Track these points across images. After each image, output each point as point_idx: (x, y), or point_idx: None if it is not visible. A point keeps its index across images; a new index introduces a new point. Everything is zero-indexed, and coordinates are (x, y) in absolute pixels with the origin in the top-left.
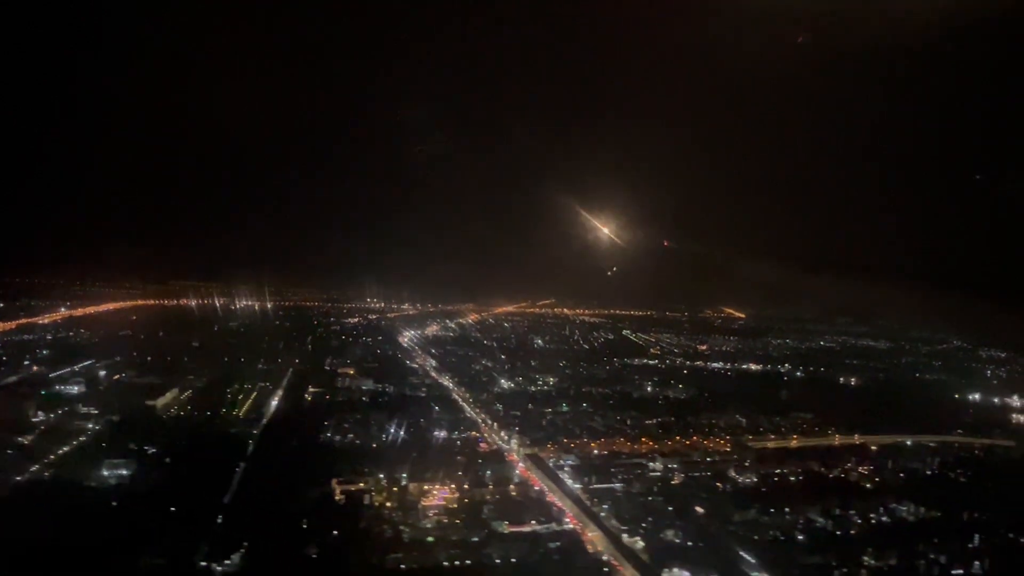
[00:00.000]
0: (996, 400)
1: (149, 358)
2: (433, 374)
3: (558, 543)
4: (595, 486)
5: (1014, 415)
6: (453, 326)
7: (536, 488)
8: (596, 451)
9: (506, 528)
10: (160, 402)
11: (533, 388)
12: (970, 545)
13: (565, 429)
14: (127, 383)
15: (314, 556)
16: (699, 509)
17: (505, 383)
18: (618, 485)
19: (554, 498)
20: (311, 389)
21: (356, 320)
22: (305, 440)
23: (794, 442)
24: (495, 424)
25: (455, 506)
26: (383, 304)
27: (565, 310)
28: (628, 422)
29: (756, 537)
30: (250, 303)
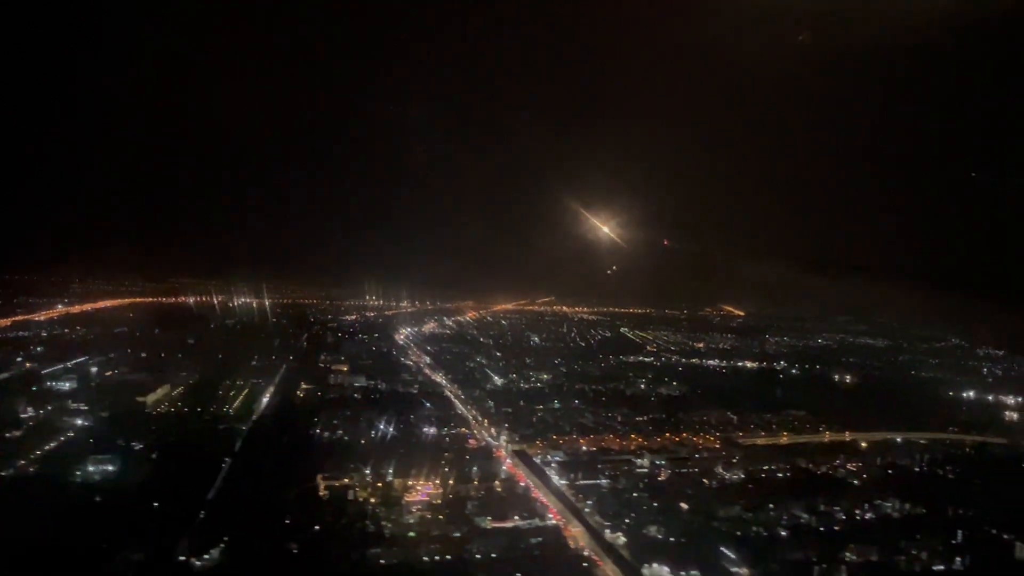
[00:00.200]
0: (990, 398)
1: (143, 355)
2: (427, 371)
3: (540, 539)
4: (581, 482)
5: (1007, 413)
6: (451, 323)
7: (522, 484)
8: (584, 447)
9: (489, 524)
10: (150, 399)
11: (526, 385)
12: (953, 541)
13: (555, 426)
14: (119, 380)
15: (295, 551)
16: (683, 505)
17: (498, 380)
18: (604, 481)
19: (539, 494)
20: (303, 386)
21: (354, 317)
22: (293, 436)
23: (784, 439)
24: (485, 421)
25: (439, 502)
26: (381, 302)
27: (564, 308)
28: (619, 419)
29: (739, 533)
30: (248, 300)
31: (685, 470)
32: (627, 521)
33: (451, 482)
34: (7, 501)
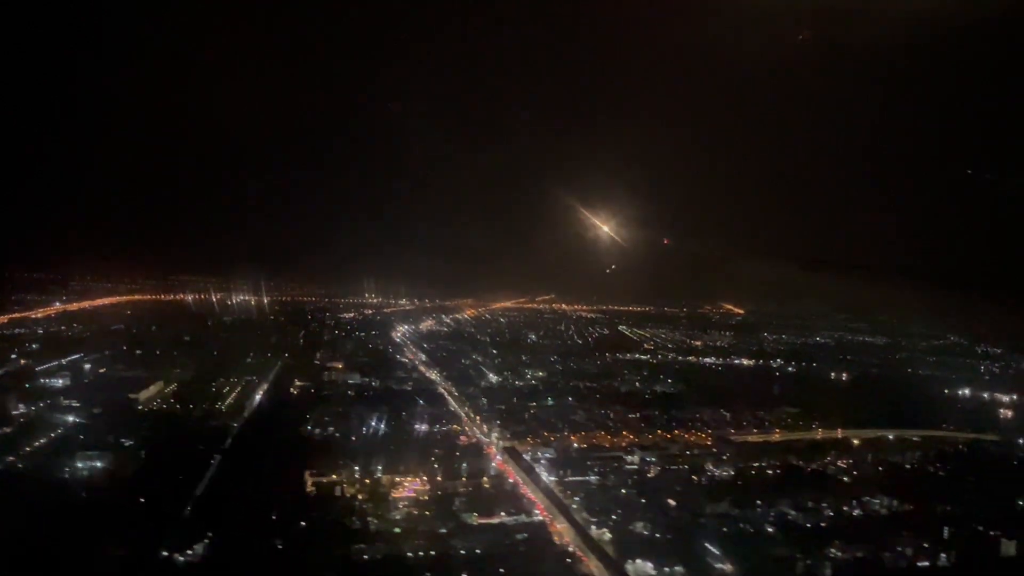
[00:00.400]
0: (986, 396)
1: (138, 352)
2: (422, 368)
3: (525, 534)
4: (570, 479)
5: (1003, 410)
6: (449, 321)
7: (511, 480)
8: (575, 444)
9: (475, 520)
10: (143, 395)
11: (520, 383)
12: (938, 538)
13: (547, 423)
14: (113, 377)
15: (279, 547)
16: (671, 502)
17: (493, 377)
18: (593, 478)
19: (527, 490)
20: (297, 383)
21: (352, 315)
22: (284, 433)
23: (776, 436)
24: (477, 418)
25: (426, 498)
26: (380, 300)
27: (563, 306)
28: (611, 416)
29: (725, 529)
30: (247, 298)
31: (675, 467)
32: (614, 517)
33: (439, 479)
34: None
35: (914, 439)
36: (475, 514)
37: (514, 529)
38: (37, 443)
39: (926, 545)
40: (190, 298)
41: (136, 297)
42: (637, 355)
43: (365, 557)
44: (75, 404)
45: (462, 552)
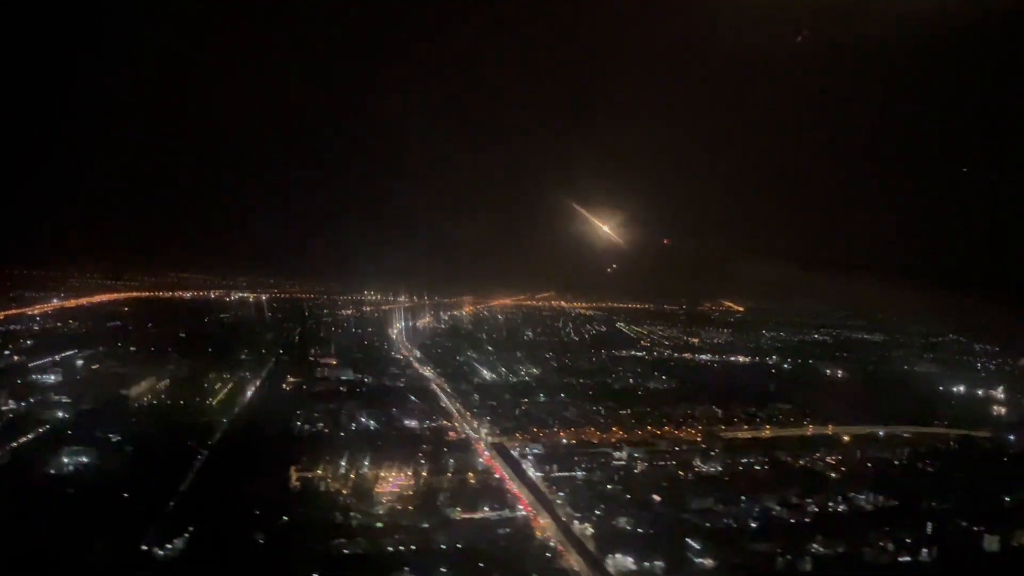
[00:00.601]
0: (980, 392)
1: (132, 348)
2: (416, 364)
3: (508, 529)
4: (556, 474)
5: (996, 407)
6: (446, 318)
7: (497, 476)
8: (564, 440)
9: (458, 515)
10: (133, 391)
11: (514, 379)
12: (921, 533)
13: (538, 419)
14: (105, 372)
15: (260, 541)
16: (656, 497)
17: (487, 374)
18: (579, 473)
19: (512, 486)
20: (290, 379)
21: (350, 312)
22: (273, 429)
23: (767, 432)
24: (468, 414)
25: (410, 493)
26: (379, 296)
27: (563, 303)
28: (602, 412)
29: (708, 525)
30: (245, 295)
31: (662, 463)
32: (597, 513)
33: (425, 474)
34: None
35: (905, 436)
36: (458, 509)
37: (497, 524)
38: (23, 439)
39: (908, 540)
40: (189, 295)
41: (135, 294)
42: (633, 352)
43: (345, 552)
44: (65, 400)
45: (442, 547)
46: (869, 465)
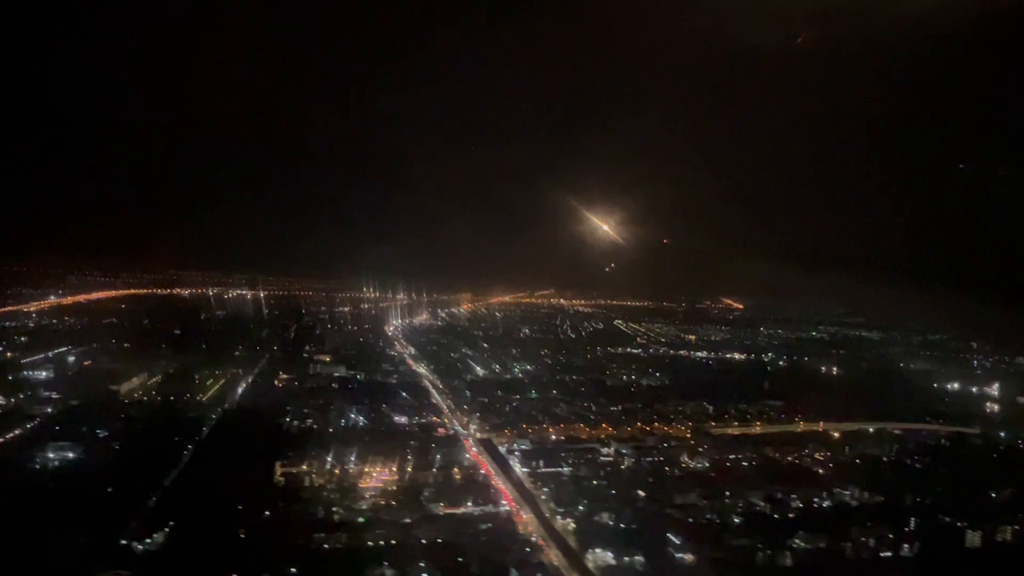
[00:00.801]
0: (974, 390)
1: (126, 345)
2: (410, 361)
3: (489, 524)
4: (542, 470)
5: (988, 404)
6: (444, 315)
7: (483, 472)
8: (553, 436)
9: (441, 510)
10: (124, 387)
11: (508, 376)
12: (904, 529)
13: (528, 415)
14: (97, 369)
15: (242, 536)
16: (640, 493)
17: (480, 371)
18: (566, 469)
19: (498, 481)
20: (283, 375)
21: (347, 309)
22: (262, 425)
23: (757, 429)
24: (459, 410)
25: (394, 488)
26: (377, 294)
27: (562, 300)
28: (593, 408)
29: (691, 520)
30: (243, 292)
31: (650, 459)
32: (580, 508)
33: (410, 469)
34: None
35: (895, 432)
36: (442, 504)
37: (479, 519)
38: (10, 434)
39: (891, 536)
40: (186, 292)
41: (132, 292)
42: (629, 349)
43: (325, 546)
44: (55, 396)
45: (423, 541)
46: (857, 461)
